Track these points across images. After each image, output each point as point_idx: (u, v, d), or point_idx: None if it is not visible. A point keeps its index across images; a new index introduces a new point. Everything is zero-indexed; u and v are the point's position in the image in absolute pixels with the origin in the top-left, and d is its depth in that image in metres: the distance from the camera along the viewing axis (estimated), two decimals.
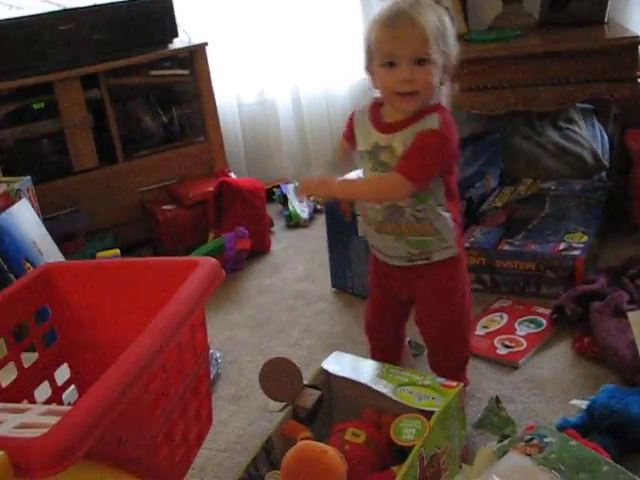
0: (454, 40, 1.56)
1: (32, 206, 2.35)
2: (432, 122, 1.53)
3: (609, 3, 2.70)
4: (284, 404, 1.75)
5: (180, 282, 1.35)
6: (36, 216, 2.33)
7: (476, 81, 2.54)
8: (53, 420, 1.06)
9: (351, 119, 1.69)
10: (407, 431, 1.45)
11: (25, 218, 2.24)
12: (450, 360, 1.76)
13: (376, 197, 1.62)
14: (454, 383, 1.56)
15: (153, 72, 2.96)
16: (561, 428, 1.56)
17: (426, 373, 1.66)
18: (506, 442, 1.49)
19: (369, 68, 1.60)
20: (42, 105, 2.73)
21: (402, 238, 1.64)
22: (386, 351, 1.84)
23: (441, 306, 1.71)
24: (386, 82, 1.54)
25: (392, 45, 1.50)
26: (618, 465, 1.37)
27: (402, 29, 1.48)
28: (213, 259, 1.46)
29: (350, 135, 1.70)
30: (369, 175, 1.63)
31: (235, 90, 3.32)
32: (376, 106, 1.63)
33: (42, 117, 2.75)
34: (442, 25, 1.52)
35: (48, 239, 2.32)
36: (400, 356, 1.87)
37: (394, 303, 1.79)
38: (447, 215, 1.63)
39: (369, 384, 1.59)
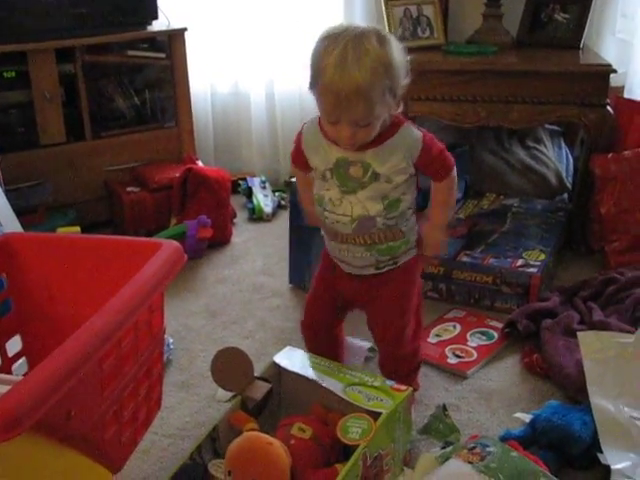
0: (404, 71, 1.52)
1: None
2: (412, 133, 1.58)
3: (585, 30, 2.75)
4: (233, 394, 1.76)
5: (142, 263, 1.35)
6: None
7: (449, 92, 2.56)
8: (2, 389, 1.05)
9: (299, 140, 1.69)
10: (353, 430, 1.46)
11: None
12: (402, 365, 1.77)
13: (454, 201, 1.75)
14: (403, 387, 1.58)
15: (129, 52, 2.93)
16: (504, 439, 1.59)
17: (376, 375, 1.67)
18: (449, 449, 1.52)
19: (313, 92, 1.54)
20: (13, 74, 2.69)
21: (372, 247, 1.65)
22: (322, 354, 1.80)
23: (395, 308, 1.72)
24: (329, 133, 1.56)
25: (335, 111, 1.48)
26: (555, 478, 1.40)
27: (346, 100, 1.44)
28: (176, 243, 1.46)
29: (301, 159, 1.69)
30: (336, 193, 1.62)
31: (210, 79, 3.31)
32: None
33: (12, 87, 2.71)
34: (390, 67, 1.47)
35: (8, 210, 2.29)
36: (338, 358, 1.86)
37: (334, 309, 1.81)
38: (413, 218, 1.68)
39: (319, 381, 1.60)
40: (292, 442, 1.48)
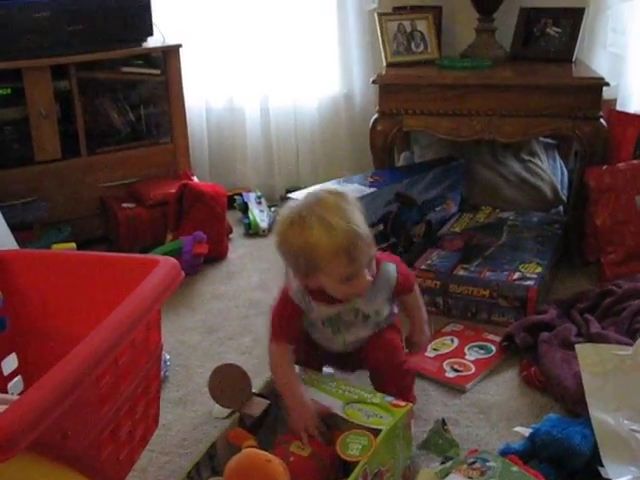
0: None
1: None
2: (389, 270, 1.69)
3: (577, 44, 2.76)
4: (230, 410, 1.75)
5: (139, 280, 1.34)
6: None
7: (444, 106, 2.57)
8: None
9: (291, 305, 1.66)
10: (353, 447, 1.46)
11: None
12: (398, 383, 1.74)
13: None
14: (403, 403, 1.58)
15: (124, 69, 2.93)
16: (504, 454, 1.58)
17: (375, 391, 1.66)
18: (449, 464, 1.51)
19: (306, 276, 1.58)
20: (9, 91, 2.69)
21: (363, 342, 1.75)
22: None
23: (391, 339, 1.76)
24: (346, 292, 1.60)
25: (352, 268, 1.53)
26: None
27: (355, 248, 1.50)
28: (173, 259, 1.45)
29: (292, 325, 1.66)
30: (328, 334, 1.72)
31: (205, 95, 3.32)
32: (314, 291, 1.62)
33: (7, 104, 2.71)
34: (356, 204, 1.57)
35: (3, 226, 2.29)
36: None
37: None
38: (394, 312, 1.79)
39: (317, 399, 1.59)
40: (291, 459, 1.47)
